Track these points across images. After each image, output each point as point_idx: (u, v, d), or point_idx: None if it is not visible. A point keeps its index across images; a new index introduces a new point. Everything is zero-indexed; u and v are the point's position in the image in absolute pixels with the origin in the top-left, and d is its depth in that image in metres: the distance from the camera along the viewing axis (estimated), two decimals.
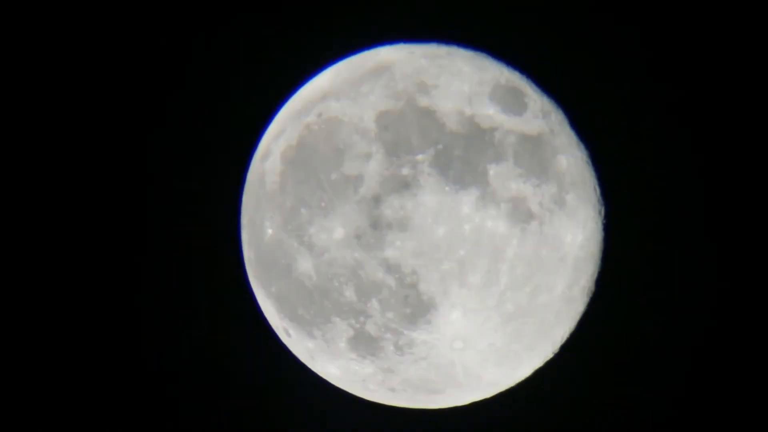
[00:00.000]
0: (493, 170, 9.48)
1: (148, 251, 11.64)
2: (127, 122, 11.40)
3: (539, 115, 9.96)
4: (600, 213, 10.32)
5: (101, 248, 11.51)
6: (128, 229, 11.63)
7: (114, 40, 11.25)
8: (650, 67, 11.36)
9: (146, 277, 11.63)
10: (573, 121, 10.25)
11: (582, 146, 10.27)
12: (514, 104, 9.86)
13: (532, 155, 9.68)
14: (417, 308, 9.50)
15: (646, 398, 11.67)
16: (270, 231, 9.95)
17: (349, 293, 9.56)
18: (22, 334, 11.41)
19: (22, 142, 11.21)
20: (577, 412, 11.73)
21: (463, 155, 9.43)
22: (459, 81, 9.76)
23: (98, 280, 11.55)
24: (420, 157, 9.38)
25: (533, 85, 10.22)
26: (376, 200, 9.35)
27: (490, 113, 9.67)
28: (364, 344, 9.76)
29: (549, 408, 11.59)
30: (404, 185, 9.34)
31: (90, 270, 11.50)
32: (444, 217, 9.33)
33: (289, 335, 10.36)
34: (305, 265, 9.68)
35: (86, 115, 11.39)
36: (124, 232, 11.57)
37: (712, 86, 11.35)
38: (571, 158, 10.03)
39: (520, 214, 9.54)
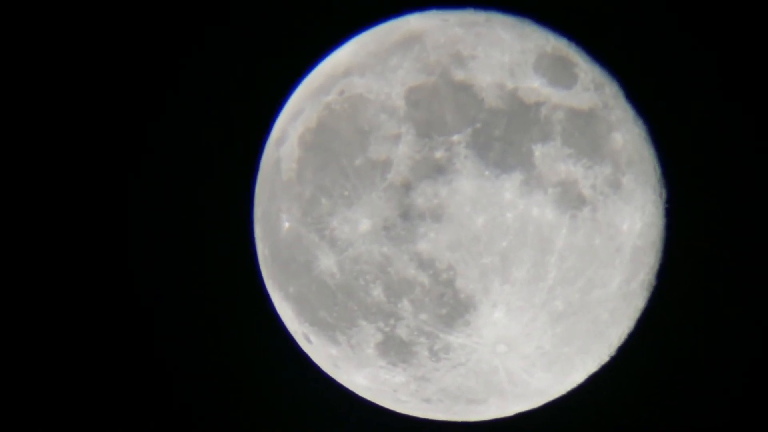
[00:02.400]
0: (538, 151, 9.38)
1: (150, 249, 11.74)
2: (130, 106, 11.66)
3: (591, 88, 9.85)
4: (661, 196, 10.21)
5: (100, 245, 11.73)
6: (130, 224, 11.76)
7: (118, 18, 11.47)
8: (716, 29, 11.31)
9: (149, 278, 11.76)
10: (629, 93, 10.14)
11: (640, 121, 10.16)
12: (561, 76, 9.75)
13: (583, 133, 9.59)
14: (454, 308, 9.43)
15: (716, 407, 11.64)
16: (287, 225, 9.89)
17: (377, 293, 9.48)
18: (27, 334, 11.72)
19: (33, 133, 11.62)
20: (637, 423, 11.65)
21: (505, 135, 9.34)
22: (499, 51, 9.68)
23: (97, 281, 11.75)
24: (455, 137, 9.31)
25: (583, 54, 10.13)
26: (407, 187, 9.28)
27: (535, 86, 9.56)
28: (395, 350, 9.69)
29: (606, 419, 11.53)
30: (438, 170, 9.26)
31: (89, 271, 11.74)
32: (483, 205, 9.23)
33: (309, 341, 10.28)
34: (327, 262, 9.59)
35: (88, 101, 11.63)
36: (125, 228, 11.74)
37: None
38: (627, 135, 9.91)
39: (570, 199, 9.43)
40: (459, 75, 9.48)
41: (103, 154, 11.62)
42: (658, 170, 10.18)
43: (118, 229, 11.67)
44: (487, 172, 9.23)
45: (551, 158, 9.36)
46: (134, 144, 11.67)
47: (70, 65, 11.56)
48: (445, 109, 9.36)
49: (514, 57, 9.64)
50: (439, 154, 9.26)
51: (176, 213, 11.68)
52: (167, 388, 11.85)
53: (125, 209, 11.69)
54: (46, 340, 11.73)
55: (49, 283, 11.67)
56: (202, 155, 11.64)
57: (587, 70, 9.93)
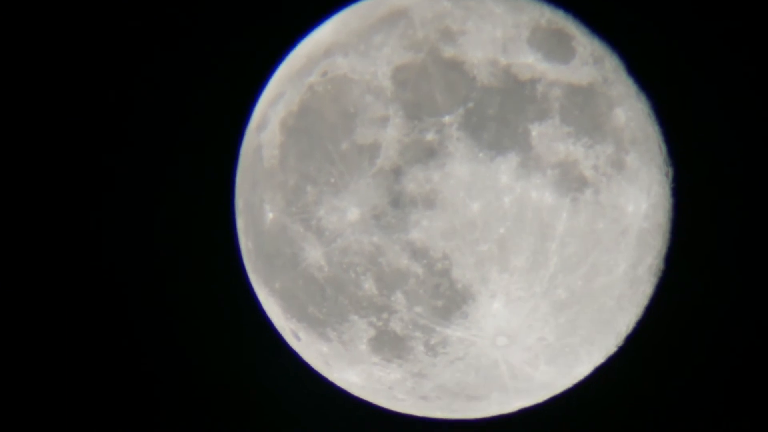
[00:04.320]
0: (535, 130, 9.36)
1: (126, 245, 11.80)
2: (102, 95, 11.71)
3: (589, 62, 9.84)
4: (667, 176, 10.21)
5: (72, 240, 11.80)
6: (104, 220, 11.79)
7: (87, 6, 11.58)
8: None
9: (126, 277, 11.80)
10: (631, 67, 10.13)
11: (643, 97, 10.15)
12: (558, 50, 9.73)
13: (583, 110, 9.58)
14: (450, 300, 9.45)
15: (731, 398, 11.67)
16: (270, 215, 9.89)
17: (369, 285, 9.49)
18: (15, 336, 11.85)
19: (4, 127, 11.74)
20: (648, 417, 11.70)
21: (499, 114, 9.33)
22: (490, 25, 9.65)
23: (71, 278, 11.82)
24: (447, 118, 9.30)
25: (581, 26, 10.11)
26: (397, 173, 9.28)
27: (530, 62, 9.54)
28: (389, 345, 9.71)
29: (614, 414, 11.57)
30: (429, 153, 9.26)
31: (65, 267, 11.81)
32: (479, 190, 9.23)
33: (298, 339, 10.30)
34: (314, 254, 9.60)
35: (59, 90, 11.71)
36: (99, 224, 11.77)
37: None
38: (630, 111, 9.89)
39: (571, 181, 9.42)
40: (448, 52, 9.46)
41: (76, 144, 11.68)
42: (664, 148, 10.19)
43: (91, 224, 11.73)
44: (481, 155, 9.22)
45: (549, 138, 9.34)
46: (107, 134, 11.72)
47: (43, 56, 11.65)
48: (435, 89, 9.33)
49: (507, 31, 9.62)
50: (429, 136, 9.25)
51: (153, 206, 11.75)
52: (150, 390, 11.91)
53: (99, 202, 11.75)
54: (26, 342, 11.83)
55: (26, 281, 11.77)
56: (179, 144, 11.70)
57: (585, 44, 9.92)
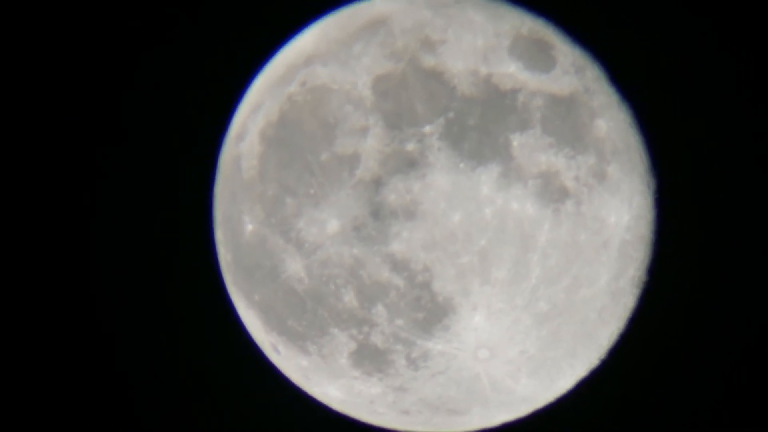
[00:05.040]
0: (516, 141, 9.36)
1: (103, 258, 11.76)
2: (78, 104, 11.69)
3: (571, 71, 9.84)
4: (649, 186, 10.22)
5: (48, 249, 11.77)
6: (80, 232, 11.78)
7: (64, 13, 11.58)
8: (704, 4, 11.39)
9: (104, 290, 11.77)
10: (612, 76, 10.16)
11: (624, 107, 10.18)
12: (539, 59, 9.74)
13: (564, 120, 9.58)
14: (431, 312, 9.44)
15: (713, 412, 11.67)
16: (250, 227, 9.88)
17: (349, 298, 9.48)
18: None
19: None
20: (630, 430, 11.68)
21: (480, 124, 9.33)
22: (471, 34, 9.66)
23: (48, 290, 11.80)
24: (427, 128, 9.30)
25: (562, 35, 10.13)
26: (377, 184, 9.28)
27: (511, 71, 9.55)
28: (370, 359, 9.70)
29: (596, 427, 11.55)
30: (410, 164, 9.26)
31: (40, 278, 11.80)
32: (459, 201, 9.23)
33: (278, 352, 10.28)
34: (294, 266, 9.59)
35: (35, 99, 11.72)
36: (75, 236, 11.76)
37: None
38: (611, 122, 9.91)
39: (552, 192, 9.43)
40: (429, 61, 9.46)
41: (52, 155, 11.65)
42: (646, 159, 10.20)
43: (68, 237, 11.70)
44: (462, 165, 9.22)
45: (530, 148, 9.34)
46: (84, 145, 11.69)
47: (18, 62, 11.63)
48: (415, 99, 9.33)
49: (488, 40, 9.62)
50: (410, 146, 9.25)
51: (131, 218, 11.73)
52: (127, 404, 11.87)
53: (76, 215, 11.73)
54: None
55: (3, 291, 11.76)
56: (157, 155, 11.68)
57: (567, 53, 9.92)
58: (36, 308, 11.75)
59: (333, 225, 9.35)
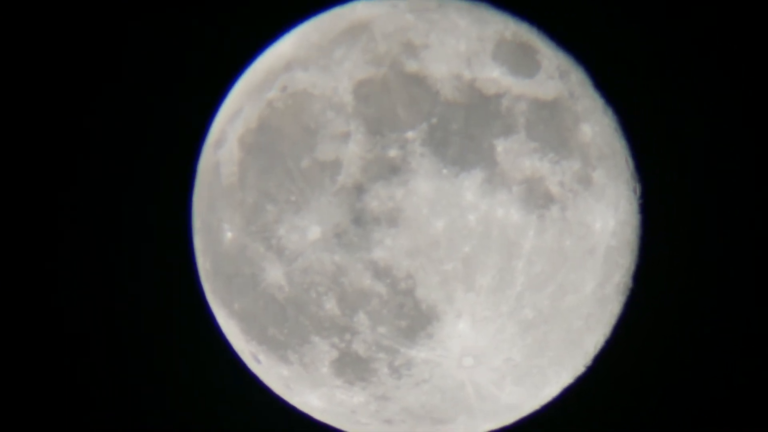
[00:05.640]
0: (500, 146, 9.38)
1: (78, 267, 11.72)
2: (54, 106, 11.64)
3: (555, 76, 9.87)
4: (635, 192, 10.24)
5: (18, 257, 11.74)
6: (54, 239, 11.75)
7: (40, 17, 11.58)
8: (691, 7, 11.42)
9: (78, 300, 11.72)
10: (597, 81, 10.20)
11: (609, 111, 10.21)
12: (523, 64, 9.77)
13: (548, 125, 9.60)
14: (415, 320, 9.44)
15: (700, 419, 11.69)
16: (229, 235, 9.87)
17: (331, 306, 9.48)
18: None
19: None
20: None
21: (463, 129, 9.35)
22: (454, 38, 9.68)
23: (20, 299, 11.77)
24: (410, 134, 9.30)
25: (546, 39, 10.16)
26: (359, 190, 9.28)
27: (495, 76, 9.56)
28: (352, 367, 9.70)
29: None
30: (392, 170, 9.27)
31: (13, 285, 11.77)
32: (443, 207, 9.23)
33: (258, 361, 10.27)
34: (275, 274, 9.59)
35: (13, 101, 11.68)
36: (47, 244, 11.75)
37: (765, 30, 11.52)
38: (596, 126, 9.94)
39: (537, 198, 9.44)
40: (411, 66, 9.46)
41: (28, 161, 11.62)
42: (631, 164, 10.23)
43: (42, 242, 11.68)
44: (445, 171, 9.21)
45: (515, 154, 9.34)
46: (60, 150, 11.65)
47: None
48: (398, 104, 9.33)
49: (471, 45, 9.62)
50: (392, 152, 9.24)
51: (106, 226, 11.70)
52: (104, 415, 11.84)
53: (51, 221, 11.70)
54: None
55: None
56: (133, 161, 11.65)
57: (551, 57, 9.94)
58: (8, 315, 11.75)
59: (314, 232, 9.34)
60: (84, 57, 11.53)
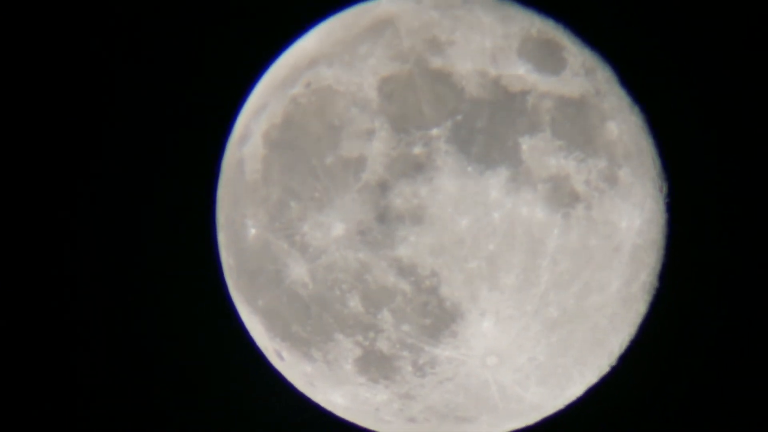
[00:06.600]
0: (526, 144, 9.37)
1: (105, 262, 11.74)
2: (80, 106, 11.66)
3: (581, 73, 9.85)
4: (661, 190, 10.21)
5: (46, 255, 11.75)
6: (81, 236, 11.76)
7: (62, 14, 11.58)
8: (717, 6, 11.33)
9: (103, 293, 11.74)
10: (623, 78, 10.15)
11: (636, 109, 10.16)
12: (549, 61, 9.74)
13: (574, 123, 9.58)
14: (439, 318, 9.42)
15: (724, 418, 11.62)
16: (253, 231, 9.87)
17: (354, 303, 9.48)
18: None
19: None
20: None
21: (488, 127, 9.33)
22: (479, 35, 9.66)
23: (46, 297, 11.79)
24: (434, 131, 9.29)
25: (572, 36, 10.12)
26: (383, 187, 9.27)
27: (520, 73, 9.55)
28: (376, 365, 9.70)
29: None
30: (416, 167, 9.25)
31: (36, 284, 11.78)
32: (467, 205, 9.22)
33: (281, 358, 10.26)
34: (298, 270, 9.58)
35: (34, 102, 11.70)
36: (75, 242, 11.74)
37: None
38: (622, 124, 9.91)
39: (562, 196, 9.43)
40: (436, 62, 9.45)
41: (54, 158, 11.65)
42: (658, 162, 10.18)
43: (69, 240, 11.69)
44: (470, 169, 9.21)
45: (540, 152, 9.33)
46: (86, 147, 11.67)
47: (17, 63, 11.63)
48: (422, 101, 9.33)
49: (497, 41, 9.61)
50: (417, 150, 9.24)
51: (133, 222, 11.71)
52: (128, 411, 11.87)
53: (78, 219, 11.72)
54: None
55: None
56: (159, 157, 11.66)
57: (577, 54, 9.91)
58: (34, 314, 11.78)
59: (338, 229, 9.34)
60: (110, 55, 11.57)
